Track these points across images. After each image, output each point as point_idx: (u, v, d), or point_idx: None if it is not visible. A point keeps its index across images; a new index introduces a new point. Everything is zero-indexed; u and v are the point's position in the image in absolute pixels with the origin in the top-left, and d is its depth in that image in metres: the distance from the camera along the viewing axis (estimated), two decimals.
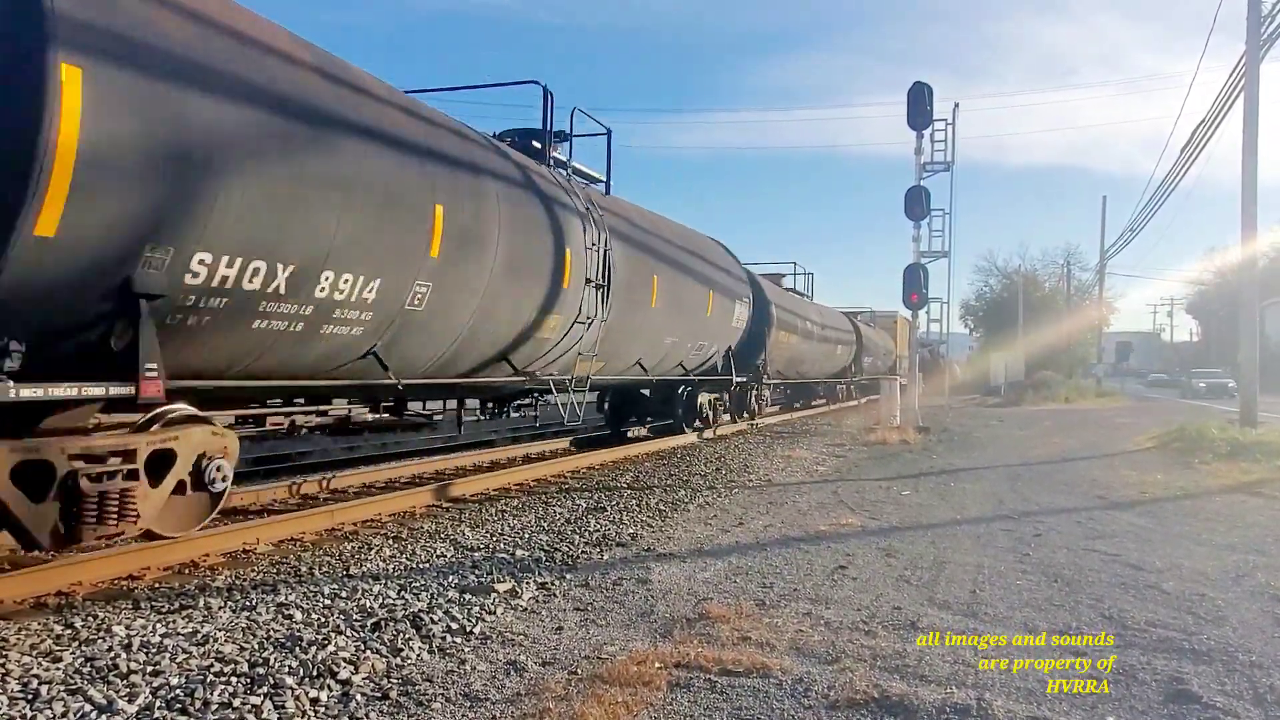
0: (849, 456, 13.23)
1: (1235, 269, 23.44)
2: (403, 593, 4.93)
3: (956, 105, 20.81)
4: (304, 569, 5.50)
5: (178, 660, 3.77)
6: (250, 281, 5.19)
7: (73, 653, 3.84)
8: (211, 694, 3.41)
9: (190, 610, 4.51)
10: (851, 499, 8.76)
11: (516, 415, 11.22)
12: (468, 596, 4.87)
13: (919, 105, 18.78)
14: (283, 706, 3.32)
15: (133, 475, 4.93)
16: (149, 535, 5.40)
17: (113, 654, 3.82)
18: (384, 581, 5.18)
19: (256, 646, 3.97)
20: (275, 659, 3.80)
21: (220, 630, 4.19)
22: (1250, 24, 15.08)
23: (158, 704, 3.32)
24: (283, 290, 5.43)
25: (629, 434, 14.76)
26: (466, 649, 4.05)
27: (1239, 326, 16.08)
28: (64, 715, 3.21)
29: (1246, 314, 15.64)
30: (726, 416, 17.09)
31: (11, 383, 4.20)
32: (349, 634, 4.16)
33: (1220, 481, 10.40)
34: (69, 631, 4.15)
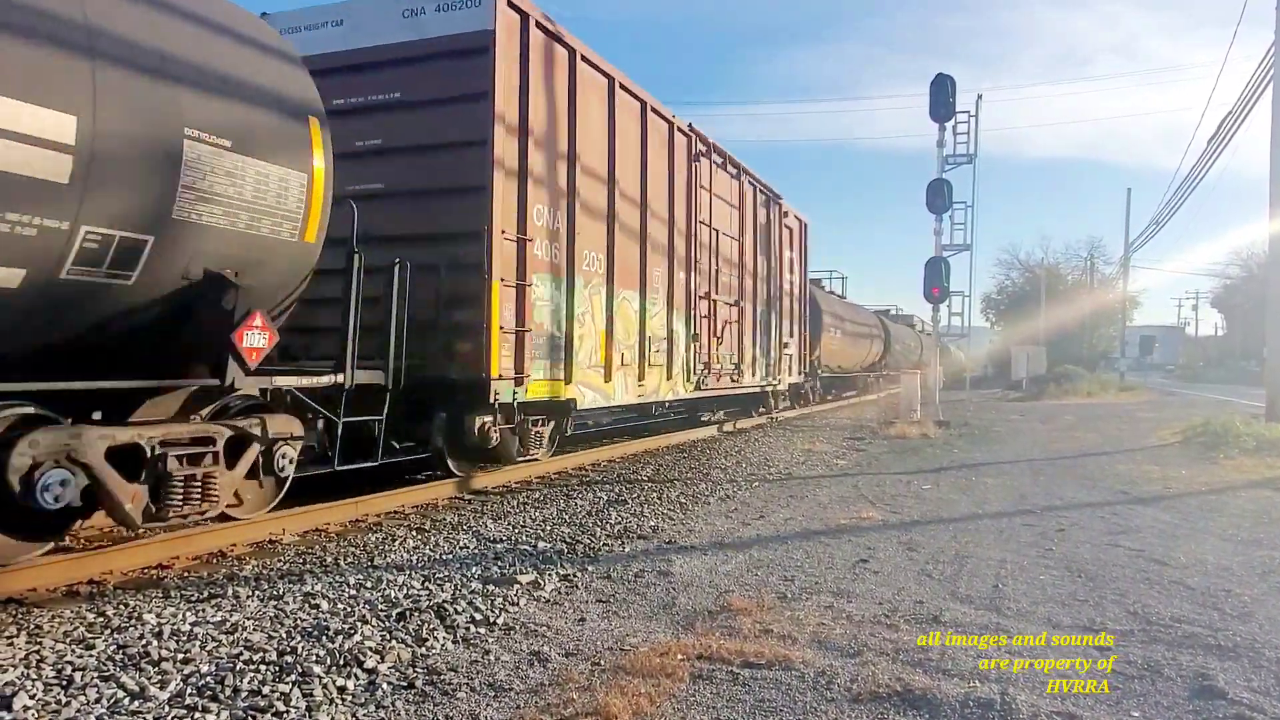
0: (869, 450, 13.20)
1: (1261, 262, 23.03)
2: (427, 583, 4.98)
3: (980, 97, 20.86)
4: (329, 559, 5.56)
5: (208, 648, 3.83)
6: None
7: (105, 640, 3.91)
8: (241, 681, 3.46)
9: (219, 599, 4.58)
10: (872, 493, 8.75)
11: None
12: (491, 588, 4.91)
13: (941, 98, 18.64)
14: (311, 694, 3.37)
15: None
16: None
17: (144, 642, 3.88)
18: (408, 572, 5.23)
19: (284, 635, 4.03)
20: (303, 648, 3.86)
21: (249, 619, 4.25)
22: None
23: (189, 691, 3.38)
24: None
25: (828, 396, 27.74)
26: (490, 639, 4.09)
27: (1265, 320, 15.88)
28: (97, 701, 3.27)
29: (1272, 307, 15.45)
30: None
31: None
32: (375, 624, 4.22)
33: (1245, 476, 10.29)
34: (101, 619, 4.22)
